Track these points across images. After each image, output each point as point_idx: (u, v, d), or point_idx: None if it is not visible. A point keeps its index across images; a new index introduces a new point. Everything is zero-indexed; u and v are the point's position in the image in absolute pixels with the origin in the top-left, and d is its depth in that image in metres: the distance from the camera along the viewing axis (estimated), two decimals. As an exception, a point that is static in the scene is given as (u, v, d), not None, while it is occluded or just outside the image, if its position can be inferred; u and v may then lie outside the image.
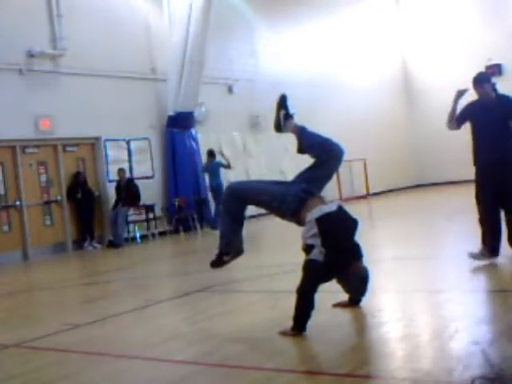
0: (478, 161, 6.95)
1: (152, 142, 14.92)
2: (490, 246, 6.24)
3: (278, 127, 5.01)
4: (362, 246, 4.60)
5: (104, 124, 13.66)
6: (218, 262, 4.89)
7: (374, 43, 21.57)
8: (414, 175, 22.32)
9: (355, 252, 4.57)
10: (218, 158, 15.04)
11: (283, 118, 4.97)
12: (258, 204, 4.91)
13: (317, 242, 4.36)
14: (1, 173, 12.42)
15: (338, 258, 4.38)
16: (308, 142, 4.92)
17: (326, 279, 4.49)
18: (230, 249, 4.85)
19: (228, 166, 14.66)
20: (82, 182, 13.38)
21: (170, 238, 14.26)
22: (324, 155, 4.79)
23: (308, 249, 4.41)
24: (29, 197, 12.68)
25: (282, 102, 5.02)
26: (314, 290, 4.31)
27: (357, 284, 4.70)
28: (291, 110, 5.02)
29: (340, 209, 4.60)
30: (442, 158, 21.67)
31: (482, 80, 6.88)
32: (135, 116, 14.29)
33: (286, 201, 4.59)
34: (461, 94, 7.09)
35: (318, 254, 4.34)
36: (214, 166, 14.74)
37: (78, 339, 5.02)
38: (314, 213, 4.47)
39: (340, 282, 4.75)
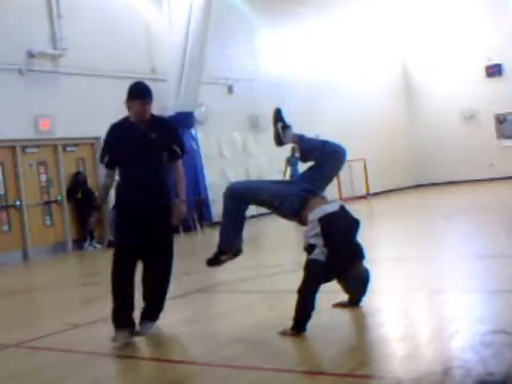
0: None
1: (152, 142, 14.90)
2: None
3: (278, 139, 5.06)
4: (362, 246, 4.60)
5: (104, 124, 13.50)
6: (214, 261, 4.91)
7: (374, 43, 21.55)
8: (414, 175, 22.31)
9: (357, 253, 4.57)
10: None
11: (281, 129, 5.01)
12: (259, 203, 4.92)
13: (319, 241, 4.35)
14: (1, 173, 12.41)
15: (339, 258, 4.37)
16: (309, 145, 4.95)
17: (327, 279, 4.49)
18: (229, 249, 4.86)
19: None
20: (81, 181, 13.38)
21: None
22: (326, 155, 4.81)
23: (310, 248, 4.40)
24: (29, 197, 12.68)
25: (278, 116, 5.08)
26: (315, 290, 4.31)
27: (357, 285, 4.71)
28: (288, 122, 5.07)
29: (342, 209, 4.60)
30: (442, 158, 21.68)
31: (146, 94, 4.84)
32: (135, 116, 14.26)
33: (288, 200, 4.60)
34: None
35: (319, 253, 4.34)
36: (295, 160, 15.24)
37: (78, 339, 5.02)
38: (317, 212, 4.47)
39: (340, 282, 4.75)
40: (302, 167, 5.25)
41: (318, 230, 4.38)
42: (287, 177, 15.66)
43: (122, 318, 4.67)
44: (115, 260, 4.81)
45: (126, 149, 4.84)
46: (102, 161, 4.99)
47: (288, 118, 5.10)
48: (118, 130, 4.94)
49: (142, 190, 4.75)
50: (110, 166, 4.94)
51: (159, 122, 5.01)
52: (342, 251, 4.40)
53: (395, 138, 21.83)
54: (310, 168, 4.87)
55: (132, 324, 4.71)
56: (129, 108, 4.87)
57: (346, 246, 4.46)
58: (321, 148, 4.86)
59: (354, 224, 4.58)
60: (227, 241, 4.85)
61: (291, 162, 15.91)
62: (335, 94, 19.41)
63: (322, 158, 4.81)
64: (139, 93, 4.82)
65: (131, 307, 4.76)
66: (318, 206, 4.53)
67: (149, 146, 4.80)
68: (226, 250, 4.86)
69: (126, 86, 4.93)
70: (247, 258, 5.45)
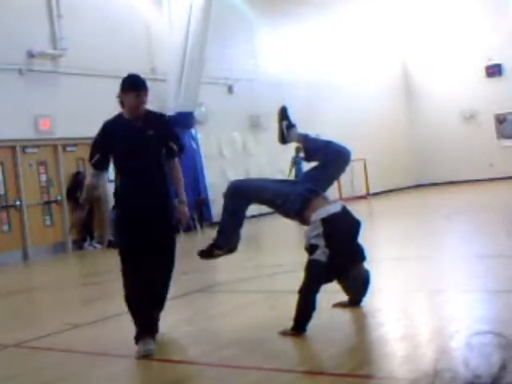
0: None
1: (152, 142, 14.89)
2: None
3: (282, 138, 5.05)
4: (363, 247, 4.61)
5: (104, 124, 13.63)
6: (207, 253, 4.86)
7: (374, 43, 21.56)
8: (414, 175, 22.32)
9: (358, 254, 4.57)
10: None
11: (286, 128, 5.01)
12: (260, 202, 4.90)
13: (320, 242, 4.35)
14: (1, 173, 12.41)
15: (341, 259, 4.37)
16: (314, 145, 4.96)
17: (328, 280, 4.49)
18: (225, 245, 4.83)
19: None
20: (81, 181, 13.35)
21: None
22: (331, 156, 4.82)
23: (311, 249, 4.40)
24: (29, 197, 12.67)
25: (283, 114, 5.07)
26: (316, 290, 4.30)
27: (358, 286, 4.71)
28: (293, 121, 5.06)
29: (344, 209, 4.60)
30: (442, 158, 21.68)
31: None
32: (135, 116, 14.26)
33: (290, 199, 4.59)
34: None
35: (321, 254, 4.33)
36: (299, 160, 15.26)
37: (78, 339, 5.02)
38: (320, 213, 4.46)
39: (341, 282, 4.75)
40: (306, 167, 5.25)
41: (320, 230, 4.37)
42: (292, 177, 15.66)
43: (144, 327, 4.40)
44: (124, 268, 4.50)
45: (121, 147, 4.56)
46: (90, 160, 4.69)
47: (292, 117, 5.11)
48: (112, 128, 4.62)
49: (141, 189, 4.54)
50: (98, 165, 4.67)
51: (155, 117, 4.76)
52: (344, 252, 4.40)
53: (395, 138, 21.84)
54: (314, 168, 4.88)
55: (154, 330, 4.50)
56: (122, 103, 4.61)
57: (347, 247, 4.46)
58: (325, 148, 4.88)
59: (355, 225, 4.58)
60: (225, 237, 4.83)
61: (296, 161, 15.93)
62: (335, 94, 19.41)
63: (326, 159, 4.81)
64: (133, 84, 4.57)
65: (150, 312, 4.54)
66: (320, 206, 4.53)
67: (146, 143, 4.55)
68: (222, 245, 4.83)
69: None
70: (247, 257, 5.46)
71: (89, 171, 5.21)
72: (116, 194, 4.72)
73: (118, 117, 4.69)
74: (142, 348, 4.24)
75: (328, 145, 4.92)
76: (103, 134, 4.67)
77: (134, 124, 4.57)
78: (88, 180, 4.94)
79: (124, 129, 4.59)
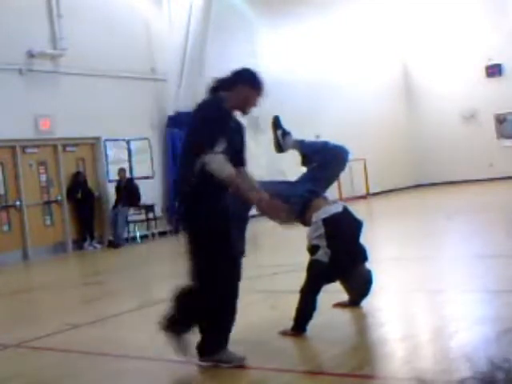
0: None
1: (152, 142, 14.91)
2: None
3: (279, 146, 5.06)
4: (365, 247, 4.61)
5: (104, 124, 13.65)
6: None
7: (374, 43, 21.55)
8: (414, 175, 22.31)
9: (360, 254, 4.57)
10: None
11: (281, 136, 5.02)
12: None
13: (322, 242, 4.35)
14: (1, 173, 12.41)
15: (343, 259, 4.37)
16: (310, 148, 4.97)
17: (330, 280, 4.49)
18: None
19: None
20: (81, 181, 13.38)
21: (170, 238, 14.25)
22: (329, 156, 4.82)
23: (313, 249, 4.40)
24: (29, 197, 12.67)
25: (277, 123, 5.08)
26: (317, 290, 4.31)
27: (360, 286, 4.71)
28: (287, 129, 5.08)
29: (345, 210, 4.61)
30: (442, 158, 21.67)
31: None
32: (135, 116, 14.27)
33: (290, 201, 4.59)
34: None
35: (323, 254, 4.33)
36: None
37: (78, 339, 5.02)
38: (321, 213, 4.46)
39: (343, 283, 4.75)
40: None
41: (321, 231, 4.38)
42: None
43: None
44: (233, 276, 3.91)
45: (224, 144, 3.79)
46: (211, 146, 3.70)
47: (286, 124, 5.12)
48: (223, 116, 3.92)
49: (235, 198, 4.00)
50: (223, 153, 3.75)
51: (240, 124, 4.17)
52: (346, 252, 4.40)
53: (395, 138, 21.83)
54: (313, 169, 4.88)
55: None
56: (230, 95, 4.15)
57: (349, 248, 4.46)
58: (322, 150, 4.90)
59: (357, 225, 4.59)
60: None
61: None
62: (335, 94, 19.40)
63: (324, 159, 4.83)
64: (262, 85, 4.26)
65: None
66: (321, 206, 4.53)
67: (240, 146, 4.01)
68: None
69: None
70: (247, 257, 5.44)
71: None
72: (198, 199, 3.88)
73: (222, 104, 4.05)
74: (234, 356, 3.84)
75: (325, 146, 4.94)
76: (227, 116, 3.96)
77: (232, 122, 4.03)
78: (229, 170, 3.74)
79: (228, 123, 3.94)
